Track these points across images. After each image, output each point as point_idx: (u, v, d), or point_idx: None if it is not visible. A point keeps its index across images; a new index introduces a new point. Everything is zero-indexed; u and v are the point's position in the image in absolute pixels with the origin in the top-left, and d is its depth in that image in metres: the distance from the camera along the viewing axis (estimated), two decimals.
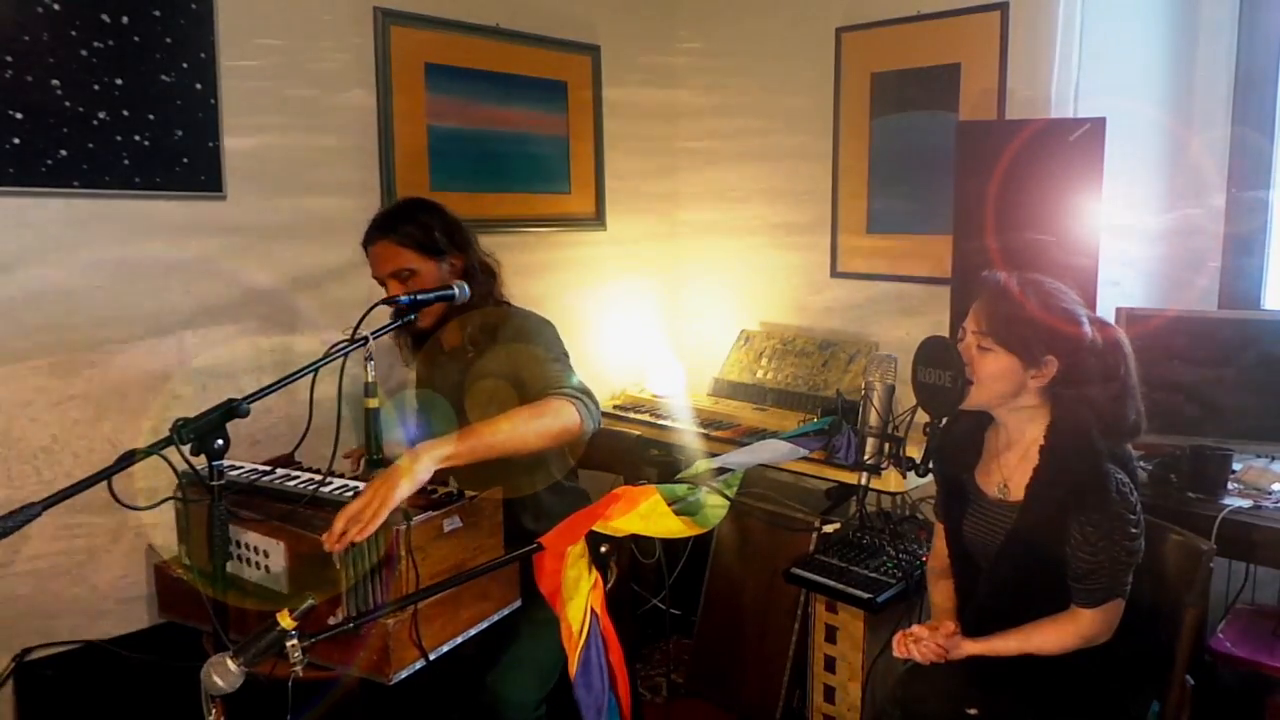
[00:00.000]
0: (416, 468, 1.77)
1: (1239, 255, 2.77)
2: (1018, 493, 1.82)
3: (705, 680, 3.06)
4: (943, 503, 2.00)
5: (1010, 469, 1.86)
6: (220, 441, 1.58)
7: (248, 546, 1.86)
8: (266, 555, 1.83)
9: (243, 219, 2.54)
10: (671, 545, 2.48)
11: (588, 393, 2.05)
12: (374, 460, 1.89)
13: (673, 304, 3.76)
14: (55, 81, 2.20)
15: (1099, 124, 2.34)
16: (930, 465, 1.92)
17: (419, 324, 2.19)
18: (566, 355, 2.18)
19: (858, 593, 2.45)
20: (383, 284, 2.19)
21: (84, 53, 2.24)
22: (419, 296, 1.99)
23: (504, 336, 2.19)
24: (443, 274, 2.19)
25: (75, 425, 2.30)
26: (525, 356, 2.12)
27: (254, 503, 1.91)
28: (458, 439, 1.87)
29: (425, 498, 1.89)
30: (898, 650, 1.87)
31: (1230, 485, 2.32)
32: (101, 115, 2.27)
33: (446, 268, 2.20)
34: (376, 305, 1.93)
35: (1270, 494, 2.28)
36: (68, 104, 2.22)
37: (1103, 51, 2.64)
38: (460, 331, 2.24)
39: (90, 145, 2.26)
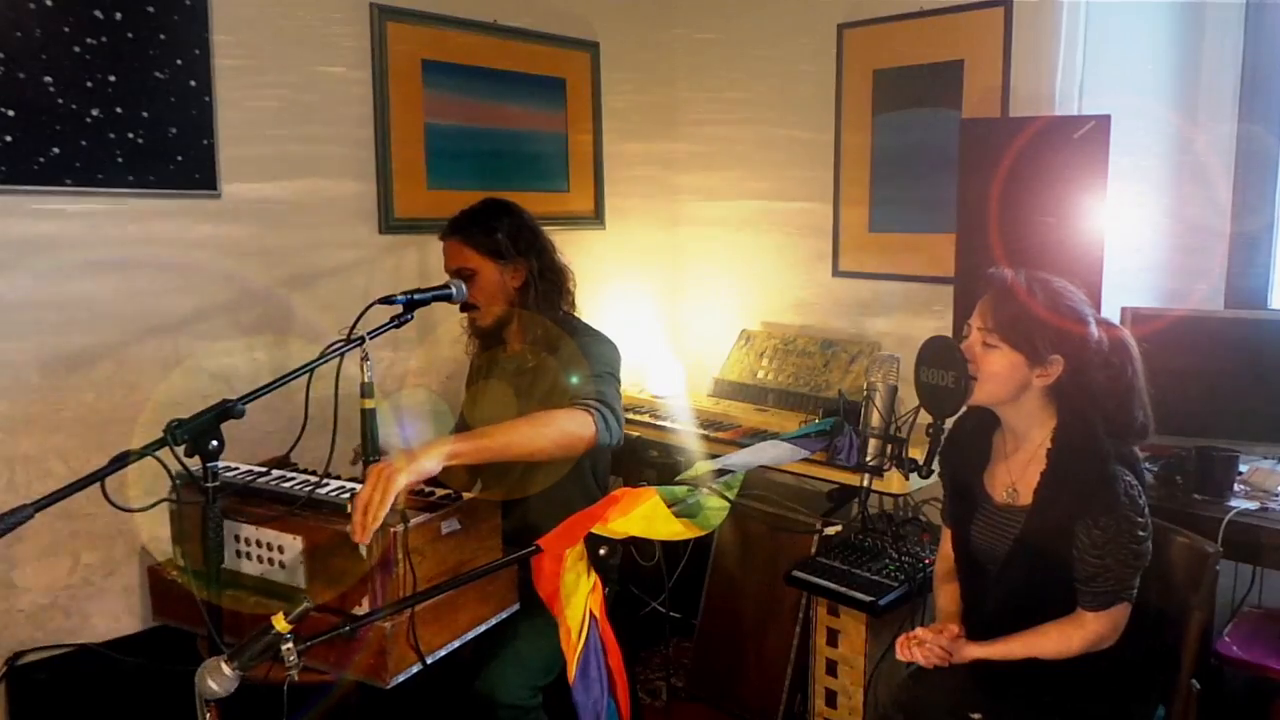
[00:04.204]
0: (422, 459, 1.77)
1: (1245, 254, 2.75)
2: (1026, 497, 1.80)
3: (705, 684, 3.04)
4: (949, 506, 1.99)
5: (1018, 473, 1.84)
6: (215, 442, 1.58)
7: (256, 543, 1.83)
8: (281, 550, 1.81)
9: (238, 217, 2.52)
10: (671, 548, 2.46)
11: (611, 406, 2.07)
12: (371, 462, 1.88)
13: (673, 303, 3.74)
14: (48, 78, 2.18)
15: (1104, 121, 2.32)
16: (935, 468, 1.89)
17: (479, 323, 2.30)
18: (612, 373, 2.20)
19: (860, 595, 2.43)
20: (451, 277, 2.24)
21: (77, 49, 2.21)
22: (415, 296, 1.98)
23: (563, 353, 2.22)
24: (504, 277, 2.26)
25: (68, 426, 2.28)
26: (574, 372, 2.15)
27: (251, 504, 1.89)
28: (464, 439, 1.88)
29: (423, 499, 1.87)
30: (901, 653, 1.86)
31: (1237, 487, 2.30)
32: (95, 113, 2.25)
33: (509, 272, 2.26)
34: (373, 305, 1.91)
35: (1277, 496, 2.26)
36: (60, 101, 2.20)
37: (1107, 48, 2.62)
38: (522, 339, 2.30)
39: (83, 143, 2.24)
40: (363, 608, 1.72)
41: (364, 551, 1.71)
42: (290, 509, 1.83)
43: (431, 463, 1.78)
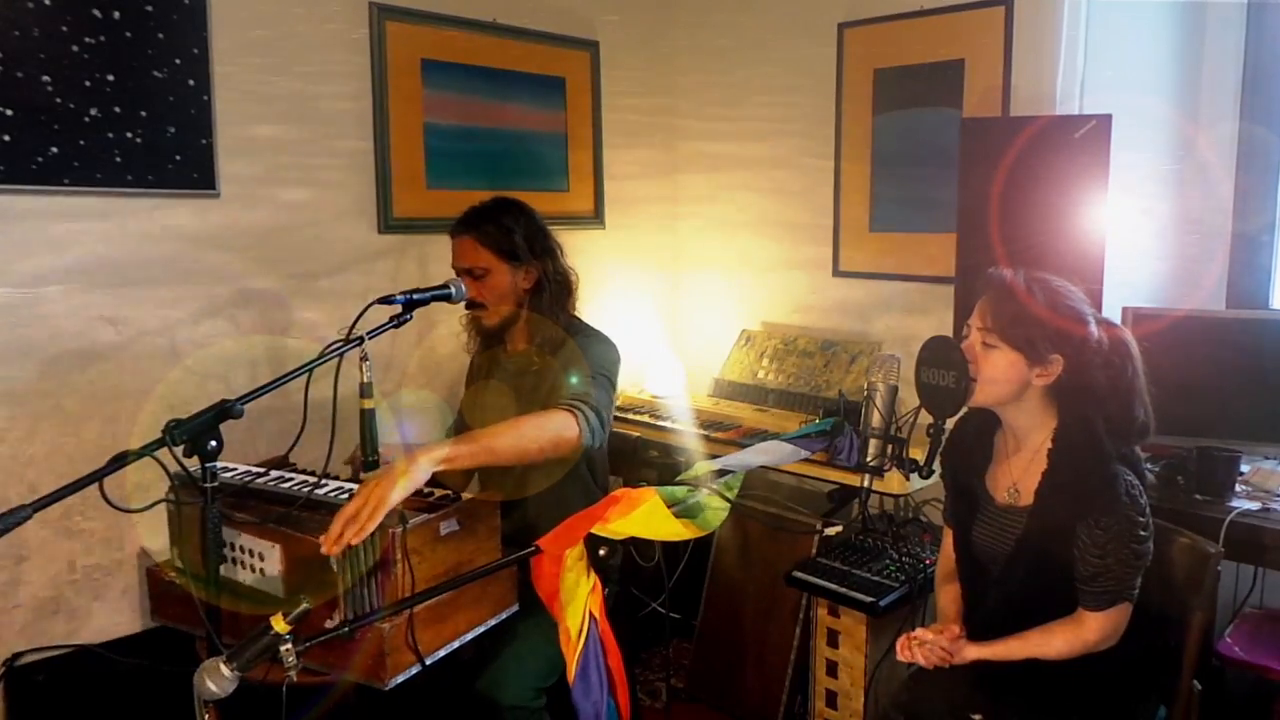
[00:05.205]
0: (413, 469, 1.76)
1: (1246, 254, 2.74)
2: (1027, 497, 1.79)
3: (705, 685, 3.04)
4: (951, 507, 1.98)
5: (1019, 473, 1.83)
6: (213, 443, 1.57)
7: (242, 549, 1.83)
8: (262, 558, 1.80)
9: (236, 217, 2.51)
10: (671, 548, 2.45)
11: (597, 409, 2.06)
12: (370, 462, 1.87)
13: (673, 303, 3.73)
14: (46, 78, 2.18)
15: (1105, 120, 2.32)
16: (936, 468, 1.89)
17: (485, 322, 2.29)
18: (607, 375, 2.19)
19: (860, 596, 2.43)
20: (459, 275, 2.22)
21: (75, 48, 2.21)
22: (414, 296, 1.98)
23: (565, 355, 2.22)
24: (515, 279, 2.25)
25: (66, 426, 2.27)
26: (571, 372, 2.15)
27: (248, 505, 1.88)
28: (454, 443, 1.88)
29: (422, 500, 1.87)
30: (901, 654, 1.85)
31: (1238, 487, 2.30)
32: (93, 112, 2.25)
33: (521, 273, 2.26)
34: (372, 305, 1.91)
35: (1278, 496, 2.26)
36: (58, 100, 2.20)
37: (1109, 47, 2.61)
38: (527, 340, 2.30)
39: (81, 142, 2.23)
40: (333, 621, 1.71)
41: (334, 565, 1.70)
42: (285, 511, 1.82)
43: (422, 473, 1.77)
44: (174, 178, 2.39)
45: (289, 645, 1.35)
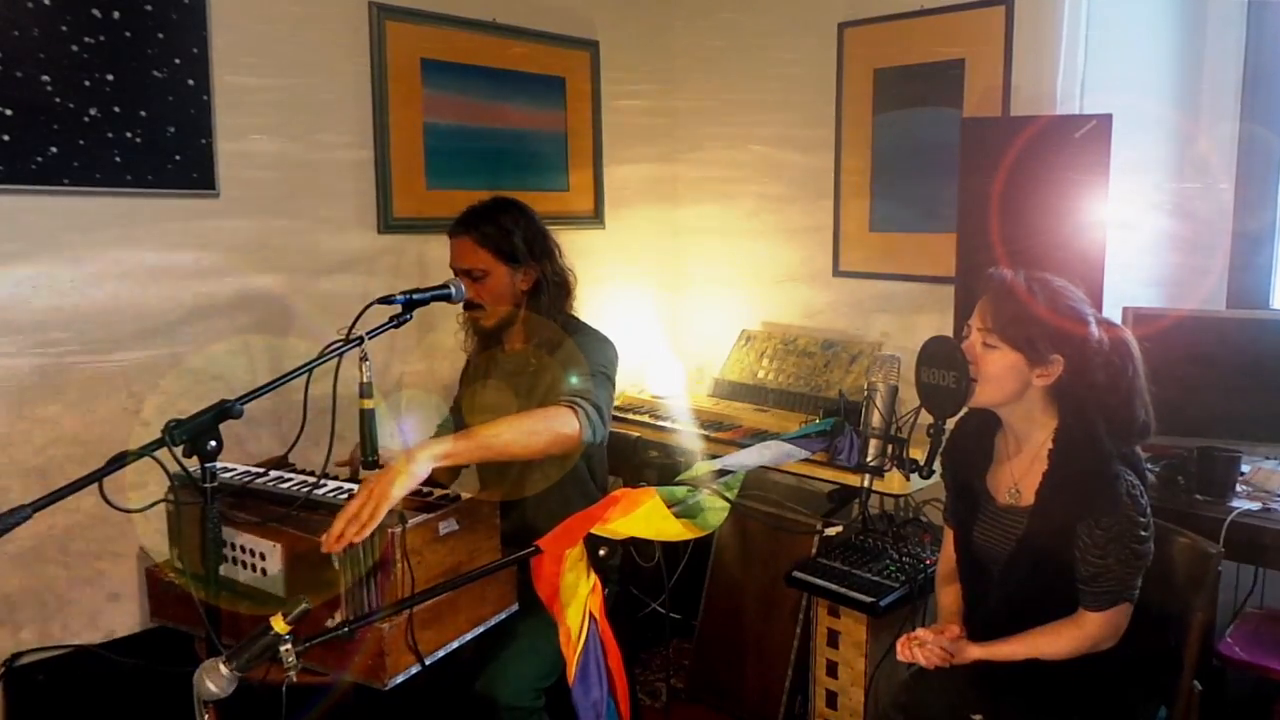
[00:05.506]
0: (413, 465, 1.76)
1: (1247, 254, 2.74)
2: (1028, 497, 1.79)
3: (705, 685, 3.03)
4: (952, 507, 1.98)
5: (1020, 473, 1.83)
6: (213, 443, 1.57)
7: (242, 549, 1.83)
8: (262, 557, 1.80)
9: (236, 217, 2.51)
10: (671, 548, 2.45)
11: (598, 405, 2.05)
12: (369, 462, 1.87)
13: (673, 303, 3.73)
14: (45, 77, 2.18)
15: (1105, 120, 2.32)
16: (936, 468, 1.88)
17: (483, 323, 2.28)
18: (606, 372, 2.18)
19: (860, 596, 2.43)
20: (457, 276, 2.22)
21: (75, 48, 2.21)
22: (414, 296, 1.97)
23: (562, 353, 2.21)
24: (514, 280, 2.25)
25: (65, 426, 2.27)
26: (570, 370, 2.15)
27: (247, 505, 1.88)
28: (455, 439, 1.88)
29: (421, 500, 1.87)
30: (901, 654, 1.85)
31: (1239, 487, 2.30)
32: (92, 112, 2.25)
33: (520, 275, 2.25)
34: (371, 305, 1.90)
35: (1279, 496, 2.25)
36: (58, 100, 2.20)
37: (1109, 46, 2.61)
38: (524, 339, 2.30)
39: (81, 142, 2.23)
40: (334, 620, 1.70)
41: (335, 563, 1.70)
42: (285, 511, 1.82)
43: (422, 469, 1.77)
44: (173, 178, 2.39)
45: (289, 645, 1.35)
